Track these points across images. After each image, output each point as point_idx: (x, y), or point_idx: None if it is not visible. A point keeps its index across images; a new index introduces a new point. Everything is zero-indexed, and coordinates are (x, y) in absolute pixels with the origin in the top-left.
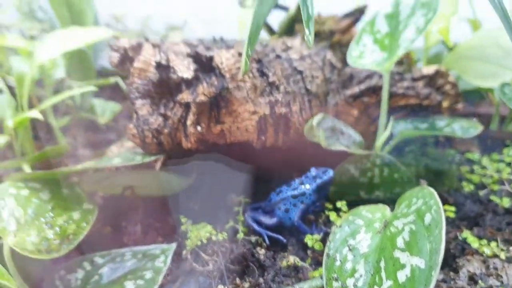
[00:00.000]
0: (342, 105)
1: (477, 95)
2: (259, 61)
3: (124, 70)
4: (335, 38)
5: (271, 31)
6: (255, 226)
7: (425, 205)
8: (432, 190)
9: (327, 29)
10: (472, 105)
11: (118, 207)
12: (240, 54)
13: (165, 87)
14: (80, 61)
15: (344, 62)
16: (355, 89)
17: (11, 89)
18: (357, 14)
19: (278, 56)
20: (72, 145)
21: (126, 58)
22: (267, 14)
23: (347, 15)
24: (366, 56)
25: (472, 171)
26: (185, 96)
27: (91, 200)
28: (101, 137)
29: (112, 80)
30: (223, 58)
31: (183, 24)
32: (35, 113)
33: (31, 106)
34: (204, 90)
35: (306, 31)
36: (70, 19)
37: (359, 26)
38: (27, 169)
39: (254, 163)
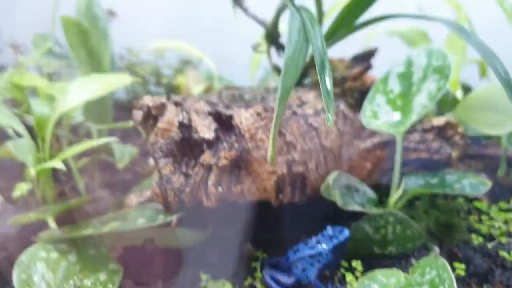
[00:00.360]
0: (356, 159)
1: (485, 137)
2: None
3: (147, 127)
4: (347, 84)
5: None
6: (273, 285)
7: (438, 278)
8: (445, 262)
9: (339, 75)
10: (479, 146)
11: (139, 260)
12: (258, 114)
13: (186, 145)
14: (97, 102)
15: (356, 109)
16: (368, 143)
17: (29, 129)
18: (367, 56)
19: (294, 113)
20: (90, 186)
21: (149, 116)
22: (293, 87)
23: (356, 58)
24: (379, 116)
25: (480, 221)
26: (207, 158)
27: (112, 251)
28: (118, 178)
29: (130, 123)
30: (242, 118)
31: (198, 62)
32: (58, 164)
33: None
34: (226, 154)
35: (326, 109)
36: (89, 61)
37: (371, 72)
38: (51, 223)
39: (271, 217)
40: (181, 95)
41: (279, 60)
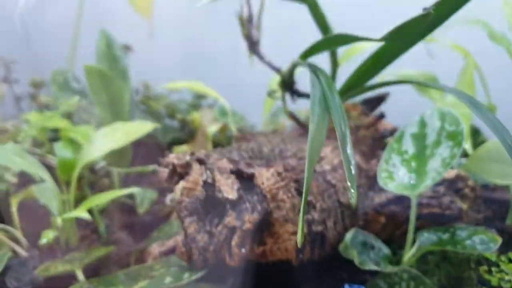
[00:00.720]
0: (371, 214)
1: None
2: (296, 180)
3: (172, 184)
4: (361, 133)
5: (303, 127)
6: None
7: None
8: None
9: (352, 124)
10: (487, 189)
11: None
12: (279, 174)
13: (210, 204)
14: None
15: (369, 156)
16: (383, 198)
17: (51, 169)
18: (379, 101)
19: (313, 170)
20: (110, 228)
21: (175, 173)
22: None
23: (366, 102)
24: (395, 178)
25: (490, 272)
26: (231, 221)
27: None
28: (137, 220)
29: (150, 168)
30: (264, 178)
31: (214, 102)
32: (83, 214)
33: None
34: (249, 218)
35: (349, 185)
36: (110, 104)
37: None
38: (79, 275)
39: (290, 271)
40: (204, 152)
41: (293, 106)
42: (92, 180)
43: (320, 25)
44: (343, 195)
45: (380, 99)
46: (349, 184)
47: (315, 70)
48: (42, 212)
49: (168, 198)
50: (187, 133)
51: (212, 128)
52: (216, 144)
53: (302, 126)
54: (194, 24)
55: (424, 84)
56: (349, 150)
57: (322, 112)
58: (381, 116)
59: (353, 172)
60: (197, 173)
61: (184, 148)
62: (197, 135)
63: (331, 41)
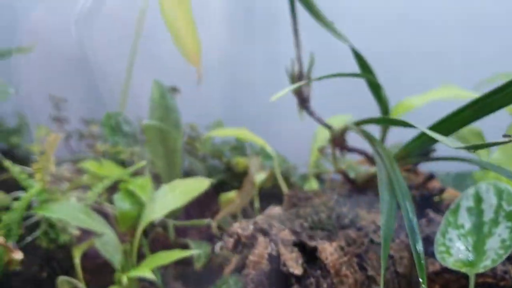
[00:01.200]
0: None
1: None
2: (358, 255)
3: (237, 253)
4: (411, 192)
5: (352, 183)
6: None
7: None
8: None
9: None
10: None
11: None
12: (341, 248)
13: (275, 276)
14: None
15: (418, 217)
16: (437, 266)
17: (108, 217)
18: (424, 155)
19: (371, 241)
20: (165, 278)
21: (239, 243)
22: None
23: (413, 159)
24: (452, 253)
25: None
26: None
27: None
28: (190, 270)
29: (205, 221)
30: (327, 253)
31: (261, 151)
32: (149, 274)
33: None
34: None
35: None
36: (165, 155)
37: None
38: None
39: None
40: (266, 219)
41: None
42: (147, 228)
43: (380, 103)
44: (399, 265)
45: (426, 154)
46: (420, 280)
47: (372, 141)
48: (102, 260)
49: (217, 247)
50: (232, 176)
51: (260, 177)
52: (261, 190)
53: (351, 183)
54: (235, 62)
55: (479, 163)
56: (418, 239)
57: (390, 199)
58: (431, 177)
59: (423, 264)
60: (262, 246)
61: (232, 195)
62: (244, 182)
63: (388, 121)
